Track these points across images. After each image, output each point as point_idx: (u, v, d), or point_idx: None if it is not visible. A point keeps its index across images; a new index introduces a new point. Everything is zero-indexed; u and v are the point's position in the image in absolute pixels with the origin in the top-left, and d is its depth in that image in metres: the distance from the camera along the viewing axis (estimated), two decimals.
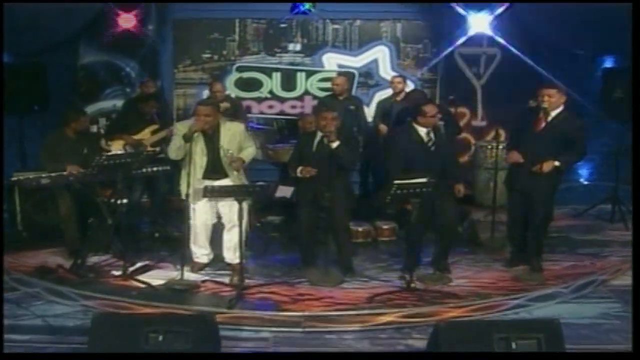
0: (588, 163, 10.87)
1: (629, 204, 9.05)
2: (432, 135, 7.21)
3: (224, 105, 8.77)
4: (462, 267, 7.72)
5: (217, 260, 7.58)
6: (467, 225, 8.66)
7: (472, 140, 11.20)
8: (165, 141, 8.04)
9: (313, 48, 11.42)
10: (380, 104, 10.13)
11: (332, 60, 11.46)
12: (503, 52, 10.96)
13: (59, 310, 6.63)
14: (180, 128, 7.09)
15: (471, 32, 10.82)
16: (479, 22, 10.73)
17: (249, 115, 10.99)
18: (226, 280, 7.22)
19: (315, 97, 11.23)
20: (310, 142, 7.34)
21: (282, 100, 11.47)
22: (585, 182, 11.28)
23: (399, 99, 9.75)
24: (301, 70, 11.43)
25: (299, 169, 7.26)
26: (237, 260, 7.30)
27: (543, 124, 7.14)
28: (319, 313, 6.43)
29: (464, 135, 11.05)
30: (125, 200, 7.42)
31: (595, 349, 5.88)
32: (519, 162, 7.21)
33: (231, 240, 7.29)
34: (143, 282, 7.04)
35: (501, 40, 10.79)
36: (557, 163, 7.02)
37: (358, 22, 11.40)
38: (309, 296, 6.83)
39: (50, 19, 9.85)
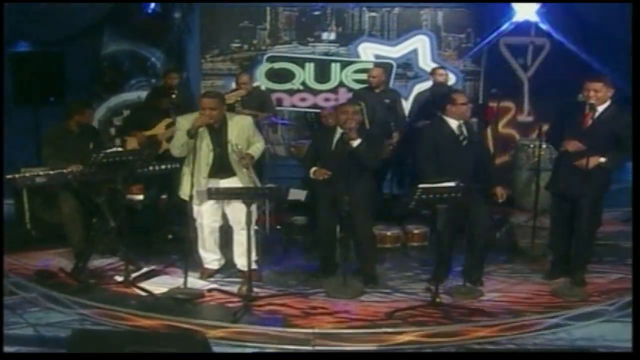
0: None
1: None
2: (464, 129, 6.53)
3: (239, 92, 8.19)
4: (496, 278, 7.01)
5: (230, 266, 7.02)
6: (506, 231, 7.94)
7: (517, 137, 10.44)
8: None
9: (348, 37, 10.91)
10: (418, 97, 9.47)
11: (368, 51, 10.92)
12: (552, 41, 10.31)
13: (54, 319, 6.18)
14: (184, 123, 6.53)
15: (517, 20, 10.14)
16: (526, 10, 10.08)
17: (280, 108, 10.48)
18: (236, 288, 6.63)
19: (350, 89, 10.67)
20: (330, 139, 6.70)
21: (315, 92, 10.97)
22: None
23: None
24: (335, 61, 10.92)
25: (313, 170, 6.65)
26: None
27: (590, 121, 6.42)
28: (330, 331, 5.80)
29: (506, 131, 10.30)
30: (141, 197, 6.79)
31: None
32: (579, 150, 6.40)
33: (242, 245, 6.73)
34: (144, 290, 6.50)
35: (550, 29, 10.14)
36: (602, 159, 6.31)
37: (396, 10, 10.84)
38: (322, 310, 6.21)
39: (71, 7, 9.46)
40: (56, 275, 6.89)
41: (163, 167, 7.01)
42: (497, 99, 8.97)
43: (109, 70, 10.57)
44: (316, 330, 5.78)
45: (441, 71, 9.32)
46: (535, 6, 9.92)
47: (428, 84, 9.60)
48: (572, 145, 6.43)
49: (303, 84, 10.93)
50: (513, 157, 9.36)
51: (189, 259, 6.68)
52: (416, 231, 7.98)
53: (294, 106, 10.86)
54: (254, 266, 6.88)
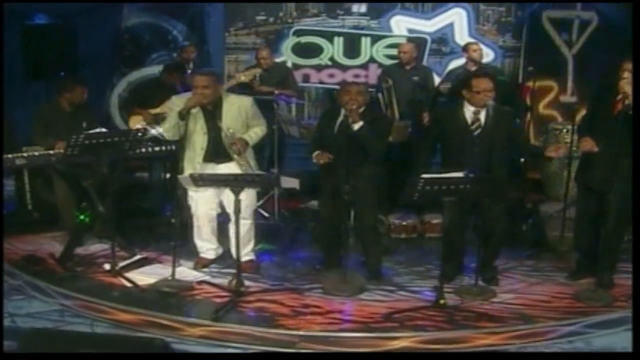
0: None
1: None
2: (481, 116, 5.90)
3: (254, 71, 7.71)
4: (515, 277, 6.39)
5: (228, 257, 6.57)
6: (533, 223, 7.29)
7: (559, 119, 9.70)
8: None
9: (380, 10, 10.29)
10: (449, 75, 8.84)
11: (401, 24, 10.28)
12: (600, 16, 9.61)
13: (35, 309, 5.88)
14: (178, 102, 6.08)
15: None
16: None
17: (306, 84, 9.98)
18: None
19: (381, 65, 10.06)
20: (333, 121, 6.14)
21: (344, 68, 10.38)
22: None
23: (474, 68, 8.43)
24: (366, 35, 10.31)
25: (315, 153, 6.11)
26: (246, 258, 6.31)
27: (620, 106, 5.71)
28: (316, 333, 5.30)
29: (547, 112, 9.59)
30: None
31: None
32: (592, 152, 5.81)
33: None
34: (130, 281, 6.11)
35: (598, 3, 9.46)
36: None
37: None
38: (315, 309, 5.69)
39: None
40: (44, 261, 6.57)
41: (157, 149, 6.55)
42: (534, 77, 8.34)
43: (129, 44, 10.22)
44: (301, 333, 5.30)
45: (475, 47, 8.63)
46: None
47: (463, 61, 8.93)
48: (585, 145, 5.79)
49: (331, 59, 10.37)
50: (543, 142, 8.67)
51: (178, 249, 6.24)
52: (435, 221, 7.32)
53: (321, 83, 10.35)
54: (251, 257, 6.48)
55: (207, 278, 6.26)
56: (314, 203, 7.56)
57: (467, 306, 5.71)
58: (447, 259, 5.90)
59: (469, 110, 5.95)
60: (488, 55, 9.72)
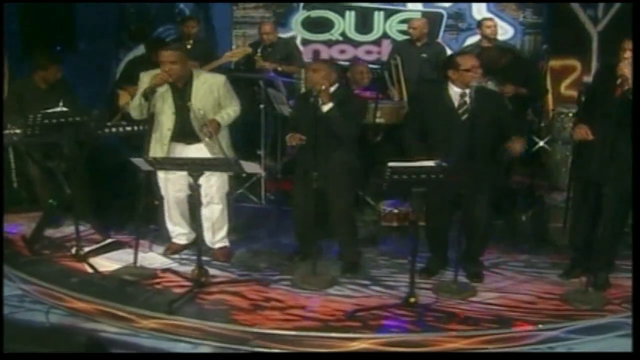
0: None
1: None
2: (467, 99, 5.42)
3: (244, 50, 7.34)
4: (504, 272, 5.93)
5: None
6: (533, 213, 6.79)
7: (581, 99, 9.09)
8: None
9: None
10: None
11: None
12: None
13: None
14: (145, 80, 5.74)
15: None
16: None
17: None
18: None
19: (394, 41, 9.58)
20: (307, 102, 5.72)
21: (355, 44, 10.00)
22: None
23: (488, 45, 7.93)
24: (379, 9, 9.88)
25: (288, 136, 5.72)
26: (219, 245, 6.00)
27: (620, 90, 5.17)
28: (270, 331, 4.94)
29: (570, 93, 9.00)
30: None
31: None
32: (586, 140, 5.30)
33: (209, 220, 5.97)
34: (92, 267, 5.84)
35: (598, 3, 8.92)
36: None
37: None
38: (277, 303, 5.33)
39: None
40: (13, 243, 6.34)
41: (129, 128, 6.21)
42: (548, 56, 7.79)
43: (135, 18, 9.88)
44: (255, 330, 4.96)
45: (489, 22, 8.14)
46: None
47: (478, 38, 8.42)
48: (579, 133, 5.27)
49: (343, 34, 9.98)
50: (547, 127, 8.09)
51: (155, 233, 6.01)
52: None
53: (332, 59, 9.85)
54: (225, 243, 6.15)
55: (174, 266, 5.97)
56: None
57: (440, 305, 5.28)
58: (414, 253, 5.43)
59: (455, 93, 5.50)
60: (507, 32, 9.21)
